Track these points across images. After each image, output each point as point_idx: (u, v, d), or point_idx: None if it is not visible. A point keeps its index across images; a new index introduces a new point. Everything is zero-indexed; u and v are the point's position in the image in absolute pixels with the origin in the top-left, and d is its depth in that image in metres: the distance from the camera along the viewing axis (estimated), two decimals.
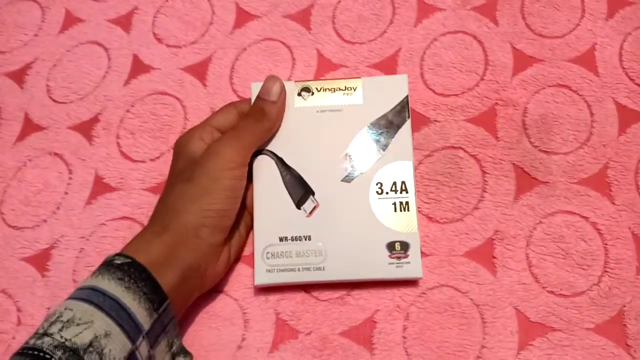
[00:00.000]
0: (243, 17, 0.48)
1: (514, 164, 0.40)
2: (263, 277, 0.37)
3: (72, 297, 0.31)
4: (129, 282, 0.31)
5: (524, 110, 0.42)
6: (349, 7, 0.47)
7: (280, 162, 0.38)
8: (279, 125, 0.39)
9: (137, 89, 0.47)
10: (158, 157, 0.44)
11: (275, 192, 0.38)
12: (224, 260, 0.37)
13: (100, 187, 0.43)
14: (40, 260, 0.41)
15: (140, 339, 0.30)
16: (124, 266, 0.32)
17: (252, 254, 0.38)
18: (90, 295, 0.31)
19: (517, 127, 0.41)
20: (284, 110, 0.39)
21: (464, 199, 0.40)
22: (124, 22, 0.50)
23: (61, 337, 0.29)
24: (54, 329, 0.29)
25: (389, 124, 0.38)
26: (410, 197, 0.37)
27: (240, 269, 0.39)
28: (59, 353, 0.28)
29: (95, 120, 0.46)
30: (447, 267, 0.38)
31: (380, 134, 0.38)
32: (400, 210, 0.37)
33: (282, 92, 0.38)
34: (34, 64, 0.49)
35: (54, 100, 0.47)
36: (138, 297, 0.31)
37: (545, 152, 0.40)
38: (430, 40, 0.45)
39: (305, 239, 0.37)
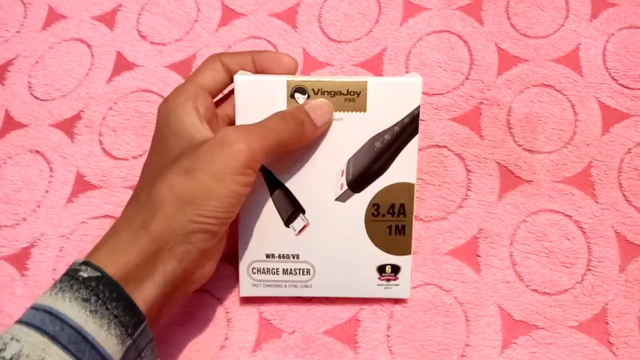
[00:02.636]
0: (228, 14, 0.48)
1: (498, 162, 0.40)
2: (248, 290, 0.36)
3: (23, 321, 0.25)
4: (95, 303, 0.26)
5: (509, 110, 0.42)
6: (334, 6, 0.47)
7: (268, 176, 0.34)
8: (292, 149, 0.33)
9: (121, 86, 0.46)
10: (141, 155, 0.43)
11: (263, 208, 0.35)
12: (212, 262, 0.33)
13: (82, 185, 0.43)
14: (20, 259, 0.41)
15: None
16: (91, 282, 0.26)
17: (237, 252, 0.37)
18: (45, 322, 0.25)
19: (502, 126, 0.41)
20: (314, 141, 0.33)
21: (448, 197, 0.40)
22: (108, 19, 0.49)
23: None
24: None
25: (394, 139, 0.34)
26: (408, 220, 0.35)
27: (224, 268, 0.39)
28: None
29: (77, 117, 0.45)
30: (431, 265, 0.38)
31: (383, 149, 0.34)
32: (396, 234, 0.35)
33: (329, 124, 0.33)
34: (15, 61, 0.48)
35: (36, 98, 0.47)
36: (107, 322, 0.26)
37: (530, 151, 0.40)
38: (416, 40, 0.45)
39: (293, 257, 0.35)
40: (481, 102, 0.42)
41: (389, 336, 0.36)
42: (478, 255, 0.38)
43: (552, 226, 0.38)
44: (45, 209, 0.42)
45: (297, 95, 0.33)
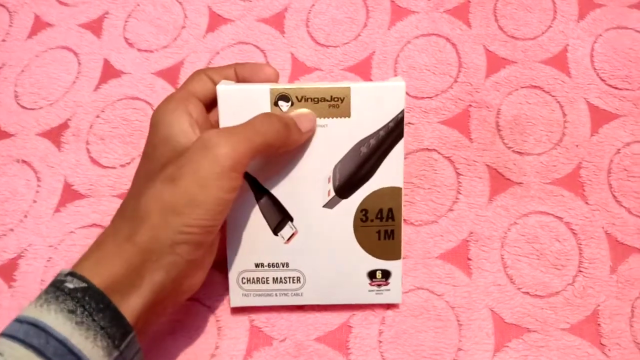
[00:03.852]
0: (216, 20, 0.48)
1: (487, 165, 0.40)
2: (238, 300, 0.36)
3: (7, 334, 0.25)
4: (82, 315, 0.25)
5: (498, 112, 0.42)
6: (322, 11, 0.47)
7: (254, 184, 0.34)
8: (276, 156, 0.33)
9: (108, 94, 0.46)
10: (128, 163, 0.43)
11: (250, 216, 0.34)
12: (202, 271, 0.32)
13: (70, 194, 0.42)
14: (7, 270, 0.40)
15: None
16: (77, 293, 0.26)
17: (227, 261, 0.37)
18: (29, 335, 0.24)
19: (491, 129, 0.41)
20: (298, 147, 0.33)
21: (438, 200, 0.39)
22: (95, 26, 0.49)
23: None
24: None
25: (380, 144, 0.33)
26: (397, 225, 0.34)
27: (213, 276, 0.38)
28: None
29: (64, 126, 0.45)
30: (422, 269, 0.38)
31: (369, 155, 0.34)
32: (385, 239, 0.35)
33: (312, 131, 0.33)
34: (1, 70, 0.48)
35: (22, 107, 0.46)
36: (93, 334, 0.25)
37: (519, 153, 0.40)
38: (404, 43, 0.45)
39: (283, 266, 0.35)
40: (470, 105, 0.42)
41: (380, 342, 0.36)
42: (469, 259, 0.38)
43: (543, 228, 0.38)
44: (33, 219, 0.42)
45: (280, 103, 0.33)
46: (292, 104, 0.33)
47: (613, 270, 0.37)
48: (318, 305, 0.37)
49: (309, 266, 0.35)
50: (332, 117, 0.33)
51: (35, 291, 0.39)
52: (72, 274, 0.27)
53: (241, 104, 0.33)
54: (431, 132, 0.41)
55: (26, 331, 0.25)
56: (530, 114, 0.41)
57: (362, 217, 0.34)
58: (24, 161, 0.44)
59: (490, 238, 0.38)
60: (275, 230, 0.35)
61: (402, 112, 0.33)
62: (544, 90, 0.42)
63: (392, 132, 0.33)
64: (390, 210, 0.34)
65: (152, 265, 0.28)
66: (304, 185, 0.34)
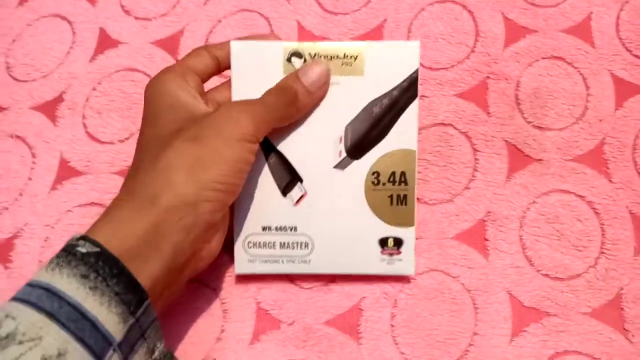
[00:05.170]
0: None
1: (506, 141, 0.38)
2: (244, 267, 0.35)
3: (19, 298, 0.24)
4: (95, 280, 0.25)
5: (517, 84, 0.40)
6: None
7: (264, 142, 0.33)
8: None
9: (104, 65, 0.44)
10: (127, 138, 0.41)
11: (259, 177, 0.34)
12: (219, 238, 0.32)
13: (66, 171, 0.41)
14: (3, 251, 0.39)
15: (110, 352, 0.25)
16: (89, 257, 0.25)
17: (232, 239, 0.35)
18: (41, 299, 0.24)
19: (510, 102, 0.39)
20: (318, 105, 0.33)
21: (454, 178, 0.38)
22: None
23: None
24: None
25: (393, 104, 0.33)
26: (410, 189, 0.34)
27: (218, 255, 0.37)
28: None
29: (59, 99, 0.43)
30: (436, 250, 0.36)
31: (382, 114, 0.33)
32: (398, 204, 0.34)
33: (326, 85, 0.33)
34: None
35: (15, 79, 0.44)
36: (107, 299, 0.25)
37: (539, 128, 0.38)
38: (418, 10, 0.43)
39: (291, 230, 0.34)
40: (488, 77, 0.40)
41: (393, 326, 0.35)
42: (486, 239, 0.36)
43: (564, 207, 0.36)
44: (28, 197, 0.40)
45: (293, 59, 0.33)
46: (304, 61, 0.33)
47: (637, 251, 0.35)
48: (327, 286, 0.36)
49: (317, 231, 0.34)
50: (345, 75, 0.33)
51: (33, 272, 0.38)
52: (84, 237, 0.26)
53: (254, 59, 0.33)
54: (446, 105, 0.39)
55: (39, 295, 0.24)
56: (551, 86, 0.39)
57: (374, 180, 0.34)
58: (17, 136, 0.42)
59: (508, 218, 0.36)
60: (284, 191, 0.34)
61: (417, 71, 0.33)
62: (566, 62, 0.40)
63: (406, 92, 0.33)
64: (403, 173, 0.33)
65: (173, 225, 0.28)
66: (315, 145, 0.34)
